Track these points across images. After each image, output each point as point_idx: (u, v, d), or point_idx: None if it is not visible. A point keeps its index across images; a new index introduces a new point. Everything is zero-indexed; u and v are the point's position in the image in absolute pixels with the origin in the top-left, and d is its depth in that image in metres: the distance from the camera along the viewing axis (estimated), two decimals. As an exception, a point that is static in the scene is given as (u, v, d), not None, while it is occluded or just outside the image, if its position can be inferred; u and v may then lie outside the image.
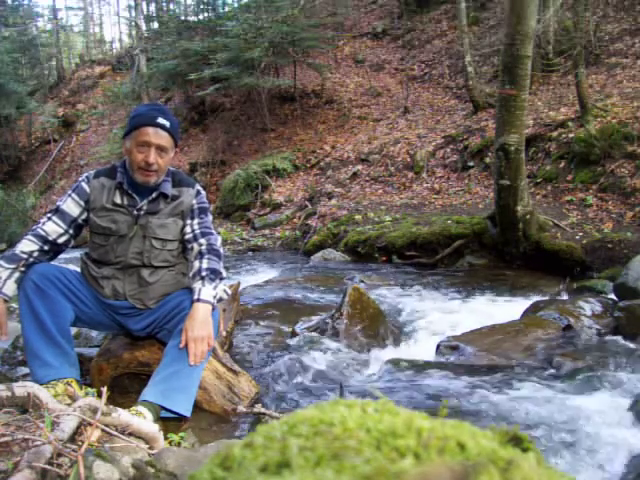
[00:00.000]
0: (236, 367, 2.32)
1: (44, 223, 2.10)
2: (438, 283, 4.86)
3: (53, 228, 2.09)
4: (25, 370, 2.44)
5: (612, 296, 3.84)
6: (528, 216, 5.16)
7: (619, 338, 3.04)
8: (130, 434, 1.48)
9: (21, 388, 1.49)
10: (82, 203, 2.11)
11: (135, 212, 2.09)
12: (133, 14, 21.50)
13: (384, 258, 6.18)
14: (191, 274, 2.05)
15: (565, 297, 4.13)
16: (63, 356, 1.99)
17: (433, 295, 4.36)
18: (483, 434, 0.35)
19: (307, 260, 6.67)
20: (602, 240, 5.03)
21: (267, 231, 8.72)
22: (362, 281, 4.80)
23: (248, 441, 0.34)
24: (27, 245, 2.04)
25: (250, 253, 7.77)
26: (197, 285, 1.97)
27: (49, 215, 2.12)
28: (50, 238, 2.08)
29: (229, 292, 2.13)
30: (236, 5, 16.79)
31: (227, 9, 16.37)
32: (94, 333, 2.99)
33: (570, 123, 7.12)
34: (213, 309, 1.96)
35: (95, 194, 2.10)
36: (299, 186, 10.17)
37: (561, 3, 9.03)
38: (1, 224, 11.27)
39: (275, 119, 12.76)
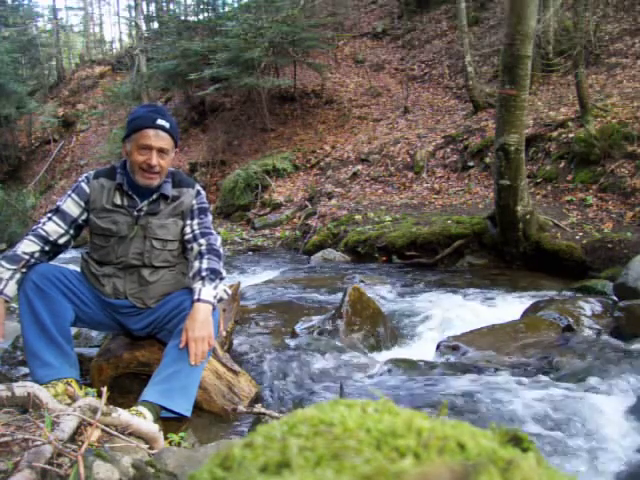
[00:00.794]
0: (236, 367, 2.32)
1: (44, 223, 2.10)
2: (438, 283, 4.86)
3: (54, 228, 2.09)
4: (25, 370, 2.44)
5: (612, 296, 3.84)
6: (528, 216, 5.16)
7: (619, 338, 3.04)
8: (130, 434, 1.48)
9: (21, 388, 1.49)
10: (82, 203, 2.11)
11: (135, 213, 2.09)
12: (133, 14, 21.50)
13: (384, 258, 6.18)
14: (191, 274, 2.05)
15: (565, 297, 4.13)
16: (63, 356, 1.99)
17: (433, 295, 4.36)
18: (483, 434, 0.35)
19: (307, 260, 6.67)
20: (602, 240, 5.03)
21: (267, 231, 8.72)
22: (362, 281, 4.80)
23: (248, 441, 0.34)
24: (28, 246, 2.04)
25: (250, 253, 7.77)
26: (197, 285, 1.97)
27: (49, 215, 2.12)
28: (51, 238, 2.08)
29: (229, 292, 2.13)
30: (236, 5, 16.78)
31: (227, 9, 16.36)
32: (94, 333, 2.99)
33: (570, 123, 7.12)
34: (213, 309, 1.96)
35: (95, 195, 2.10)
36: (299, 186, 10.17)
37: (561, 3, 9.03)
38: (1, 224, 11.26)
39: (275, 119, 12.76)
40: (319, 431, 0.34)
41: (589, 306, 3.46)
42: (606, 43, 9.61)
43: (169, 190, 2.13)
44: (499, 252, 5.48)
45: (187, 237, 2.14)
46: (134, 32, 19.10)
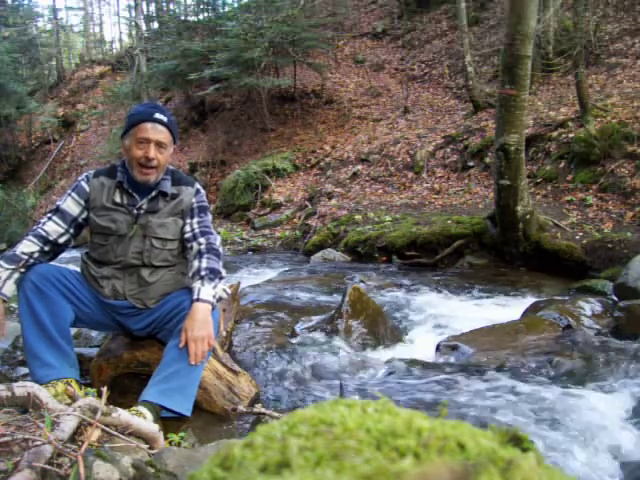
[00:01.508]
0: (236, 367, 2.32)
1: (44, 223, 2.10)
2: (438, 283, 4.86)
3: (53, 228, 2.09)
4: (25, 370, 2.44)
5: (612, 296, 3.84)
6: (528, 216, 5.16)
7: (619, 338, 3.04)
8: (130, 434, 1.47)
9: (21, 388, 1.49)
10: (82, 202, 2.11)
11: (135, 211, 2.09)
12: (133, 14, 21.50)
13: (384, 258, 6.18)
14: (190, 273, 2.05)
15: (565, 297, 4.13)
16: (63, 356, 1.99)
17: (433, 295, 4.36)
18: (483, 434, 0.35)
19: (307, 260, 6.67)
20: (602, 240, 5.03)
21: (267, 231, 8.72)
22: (362, 281, 4.80)
23: (248, 441, 0.34)
24: (27, 246, 2.04)
25: (250, 253, 7.77)
26: (196, 285, 1.97)
27: (49, 215, 2.12)
28: (51, 238, 2.08)
29: (229, 291, 2.13)
30: (236, 5, 16.78)
31: (227, 9, 16.36)
32: (94, 333, 2.99)
33: (570, 123, 7.12)
34: (213, 309, 1.96)
35: (95, 193, 2.10)
36: (299, 186, 10.17)
37: (561, 3, 9.03)
38: (1, 224, 11.26)
39: (275, 119, 12.76)
40: (319, 431, 0.34)
41: (589, 306, 3.46)
42: (606, 43, 9.61)
43: (168, 187, 2.13)
44: (499, 252, 5.48)
45: (187, 236, 2.13)
46: (134, 32, 19.10)
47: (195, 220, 2.15)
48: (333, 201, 8.50)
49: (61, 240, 2.11)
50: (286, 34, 11.47)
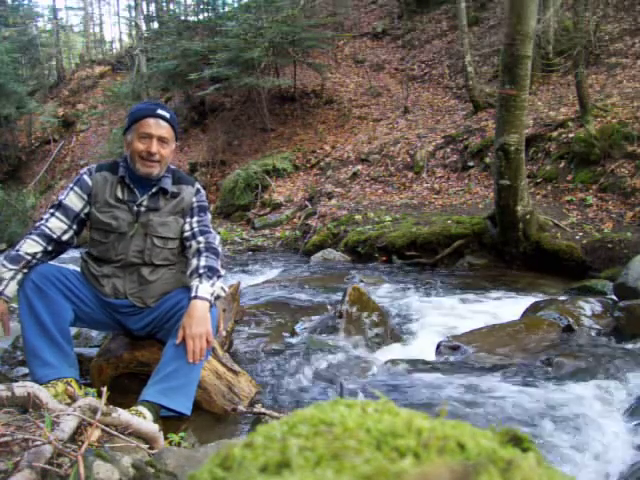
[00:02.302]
0: (236, 367, 2.32)
1: (47, 220, 2.09)
2: (438, 283, 4.86)
3: (57, 224, 2.08)
4: (25, 370, 2.44)
5: (612, 296, 3.84)
6: (528, 216, 5.16)
7: (619, 338, 3.04)
8: (130, 434, 1.47)
9: (21, 388, 1.49)
10: (85, 197, 2.11)
11: (135, 208, 2.09)
12: (133, 14, 21.50)
13: (384, 258, 6.18)
14: (189, 272, 2.05)
15: (565, 297, 4.13)
16: (63, 356, 1.99)
17: (433, 295, 4.37)
18: (483, 434, 0.35)
19: (307, 260, 6.67)
20: (602, 240, 5.03)
21: (267, 231, 8.72)
22: (362, 281, 4.80)
23: (248, 441, 0.34)
24: (31, 246, 2.04)
25: (250, 253, 7.77)
26: (194, 282, 1.97)
27: (51, 211, 2.11)
28: (54, 236, 2.07)
29: (227, 289, 2.13)
30: (236, 5, 16.78)
31: (227, 9, 16.35)
32: (94, 333, 2.99)
33: (570, 123, 7.12)
34: (211, 307, 1.96)
35: (98, 188, 2.10)
36: (299, 186, 10.17)
37: (561, 3, 9.03)
38: (1, 224, 11.26)
39: (275, 119, 12.76)
40: (319, 431, 0.34)
41: (589, 306, 3.46)
42: (606, 43, 9.61)
43: (169, 185, 2.13)
44: (499, 252, 5.48)
45: (186, 235, 2.14)
46: (134, 32, 19.11)
47: (195, 219, 2.15)
48: (333, 201, 8.50)
49: (64, 237, 2.10)
50: (286, 34, 11.47)
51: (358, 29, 15.64)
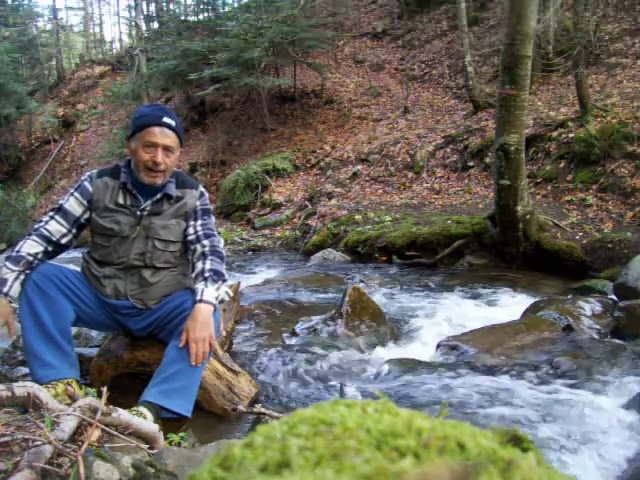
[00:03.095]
0: (236, 367, 2.32)
1: (47, 222, 2.09)
2: (438, 283, 4.86)
3: (56, 228, 2.09)
4: (25, 370, 2.44)
5: (612, 296, 3.84)
6: (528, 216, 5.16)
7: (619, 338, 3.04)
8: (130, 434, 1.48)
9: (21, 388, 1.48)
10: (85, 202, 2.11)
11: (138, 213, 2.09)
12: (133, 14, 21.51)
13: (384, 258, 6.18)
14: (194, 275, 2.05)
15: (565, 297, 4.13)
16: (63, 356, 1.99)
17: (433, 295, 4.36)
18: (483, 434, 0.35)
19: (307, 260, 6.67)
20: (602, 240, 5.03)
21: (267, 231, 8.72)
22: (362, 281, 4.80)
23: (248, 441, 0.34)
24: (32, 246, 2.04)
25: (250, 253, 7.77)
26: (200, 286, 1.97)
27: (51, 214, 2.11)
28: (54, 239, 2.08)
29: (231, 294, 2.14)
30: (236, 5, 16.77)
31: (227, 9, 16.35)
32: (94, 333, 2.99)
33: (570, 123, 7.12)
34: (214, 310, 1.96)
35: (98, 194, 2.10)
36: (299, 186, 10.17)
37: (561, 3, 9.03)
38: (1, 224, 11.26)
39: (275, 119, 12.76)
40: (319, 431, 0.34)
41: (589, 306, 3.46)
42: (606, 43, 9.61)
43: (173, 190, 2.13)
44: (499, 252, 5.48)
45: (190, 238, 2.14)
46: (134, 32, 19.11)
47: (199, 222, 2.15)
48: (333, 201, 8.50)
49: (63, 241, 2.11)
50: (286, 34, 11.47)
51: (358, 29, 15.64)
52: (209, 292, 1.95)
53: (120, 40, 28.32)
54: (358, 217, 7.30)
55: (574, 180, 6.51)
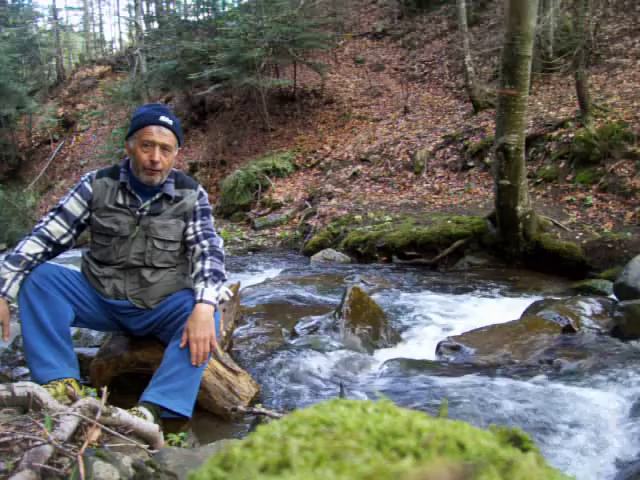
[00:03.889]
0: (236, 367, 2.32)
1: (47, 222, 2.09)
2: (438, 283, 4.86)
3: (56, 228, 2.09)
4: (25, 370, 2.44)
5: (612, 296, 3.84)
6: (528, 216, 5.16)
7: (619, 338, 3.04)
8: (130, 434, 1.47)
9: (21, 388, 1.48)
10: (85, 203, 2.11)
11: (137, 213, 2.09)
12: (133, 14, 21.50)
13: (384, 258, 6.18)
14: (193, 275, 2.06)
15: (565, 297, 4.13)
16: (63, 356, 1.99)
17: (433, 295, 4.36)
18: (483, 434, 0.35)
19: (307, 260, 6.67)
20: (602, 240, 5.03)
21: (267, 231, 8.72)
22: (362, 281, 4.80)
23: (248, 441, 0.34)
24: (32, 247, 2.04)
25: (250, 253, 7.77)
26: (200, 286, 1.97)
27: (52, 214, 2.12)
28: (53, 239, 2.08)
29: (231, 294, 2.14)
30: (236, 5, 16.76)
31: (227, 9, 16.33)
32: (94, 333, 2.99)
33: (570, 123, 7.12)
34: (215, 310, 1.96)
35: (98, 194, 2.10)
36: (299, 186, 10.17)
37: (561, 3, 9.03)
38: (1, 224, 11.25)
39: (275, 119, 12.76)
40: (319, 431, 0.34)
41: (589, 306, 3.46)
42: (606, 43, 9.61)
43: (172, 190, 2.13)
44: (499, 252, 5.48)
45: (189, 238, 2.14)
46: (134, 32, 19.10)
47: (198, 223, 2.15)
48: (333, 201, 8.50)
49: (63, 241, 2.11)
50: (286, 34, 11.47)
51: (358, 29, 15.64)
52: (209, 292, 1.95)
53: (120, 40, 28.31)
54: (358, 217, 7.30)
55: (574, 180, 6.51)
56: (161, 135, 2.03)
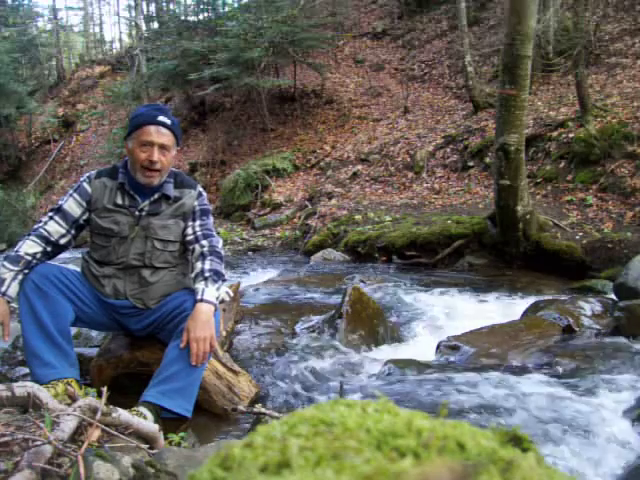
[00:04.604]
0: (236, 367, 2.32)
1: (46, 223, 2.10)
2: (438, 283, 4.86)
3: (55, 228, 2.09)
4: (25, 370, 2.44)
5: (612, 296, 3.84)
6: (528, 216, 5.16)
7: (619, 338, 3.03)
8: (130, 434, 1.47)
9: (21, 388, 1.48)
10: (84, 203, 2.11)
11: (137, 213, 2.09)
12: (133, 14, 21.49)
13: (384, 258, 6.17)
14: (193, 275, 2.06)
15: (565, 297, 4.13)
16: (63, 356, 1.99)
17: (433, 295, 4.36)
18: (483, 434, 0.35)
19: (307, 260, 6.67)
20: (602, 240, 5.03)
21: (267, 231, 8.72)
22: (362, 281, 4.80)
23: (248, 441, 0.34)
24: (31, 246, 2.04)
25: (250, 253, 7.77)
26: (200, 286, 1.97)
27: (51, 215, 2.12)
28: (52, 239, 2.08)
29: (231, 294, 2.14)
30: (236, 5, 16.76)
31: (227, 9, 16.33)
32: (94, 333, 2.99)
33: (570, 123, 7.12)
34: (215, 310, 1.96)
35: (97, 194, 2.10)
36: (299, 186, 10.17)
37: (561, 3, 9.03)
38: (1, 224, 11.25)
39: (275, 119, 12.76)
40: (319, 431, 0.34)
41: (589, 306, 3.46)
42: (606, 43, 9.61)
43: (171, 190, 2.13)
44: (499, 252, 5.48)
45: (189, 238, 2.14)
46: (134, 32, 19.10)
47: (197, 223, 2.15)
48: (333, 201, 8.50)
49: (62, 241, 2.11)
50: (286, 34, 11.47)
51: (358, 29, 15.64)
52: (209, 292, 1.95)
53: (120, 40, 28.30)
54: (358, 217, 7.30)
55: (574, 180, 6.51)
56: (159, 135, 2.02)
